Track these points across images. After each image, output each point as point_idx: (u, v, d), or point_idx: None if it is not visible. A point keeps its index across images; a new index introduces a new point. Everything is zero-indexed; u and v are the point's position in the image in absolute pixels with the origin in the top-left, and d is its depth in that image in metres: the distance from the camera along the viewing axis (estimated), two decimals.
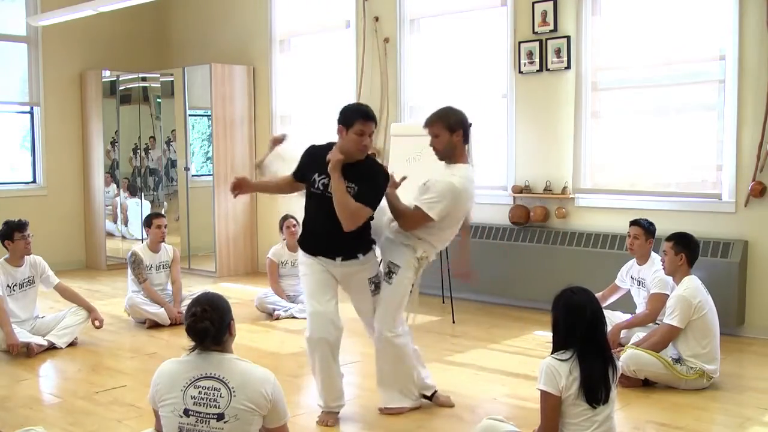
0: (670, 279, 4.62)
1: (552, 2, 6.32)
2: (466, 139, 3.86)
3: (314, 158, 3.87)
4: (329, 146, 3.85)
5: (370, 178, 3.80)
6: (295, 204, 7.83)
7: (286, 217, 6.54)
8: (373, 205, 3.78)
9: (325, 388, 3.93)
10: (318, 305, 3.85)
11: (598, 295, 4.86)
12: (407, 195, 3.98)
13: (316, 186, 3.83)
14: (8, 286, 5.27)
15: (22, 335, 5.15)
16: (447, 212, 3.77)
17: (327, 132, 8.17)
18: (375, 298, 3.99)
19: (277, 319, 6.20)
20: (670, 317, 4.35)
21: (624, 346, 4.61)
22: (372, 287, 3.97)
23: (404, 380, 4.05)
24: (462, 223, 4.00)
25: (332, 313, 3.86)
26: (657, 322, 4.77)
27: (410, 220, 3.84)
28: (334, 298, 3.91)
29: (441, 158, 3.88)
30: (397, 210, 3.89)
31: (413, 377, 4.08)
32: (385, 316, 3.93)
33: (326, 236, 3.84)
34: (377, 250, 4.03)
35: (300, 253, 4.00)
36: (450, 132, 3.81)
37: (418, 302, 4.06)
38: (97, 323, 5.50)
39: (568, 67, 6.30)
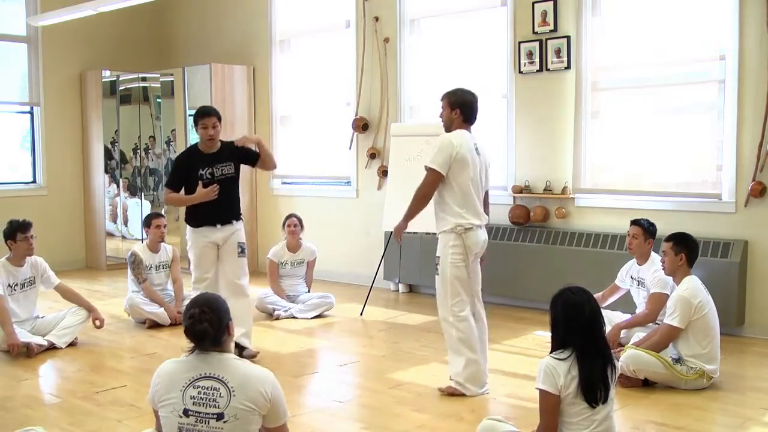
0: (670, 279, 4.62)
1: (552, 2, 6.32)
2: (467, 118, 4.33)
3: (189, 161, 5.01)
4: (191, 147, 5.19)
5: (237, 150, 5.02)
6: (298, 205, 7.86)
7: (289, 216, 6.54)
8: (256, 155, 5.11)
9: None
10: (203, 273, 5.01)
11: (597, 295, 4.91)
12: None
13: (204, 177, 4.93)
14: (9, 285, 5.27)
15: (23, 335, 5.15)
16: (447, 163, 4.14)
17: (327, 132, 8.22)
18: (240, 260, 5.07)
19: (277, 319, 6.20)
20: (671, 317, 4.35)
21: (624, 346, 4.61)
22: (239, 250, 5.07)
23: (455, 367, 4.28)
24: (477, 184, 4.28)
25: (213, 279, 5.03)
26: (657, 322, 4.77)
27: (423, 181, 4.20)
28: (214, 267, 5.05)
29: (445, 129, 4.36)
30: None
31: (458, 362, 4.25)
32: (440, 303, 4.31)
33: (212, 210, 4.96)
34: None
35: (187, 229, 5.06)
36: (450, 108, 4.32)
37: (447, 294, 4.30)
38: (97, 323, 5.50)
39: (568, 67, 6.29)
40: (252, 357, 4.91)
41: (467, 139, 4.25)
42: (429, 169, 4.17)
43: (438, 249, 4.28)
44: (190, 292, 6.18)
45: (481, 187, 4.32)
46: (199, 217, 5.01)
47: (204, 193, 4.91)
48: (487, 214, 4.43)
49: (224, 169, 4.99)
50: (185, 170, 5.02)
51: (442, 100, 4.36)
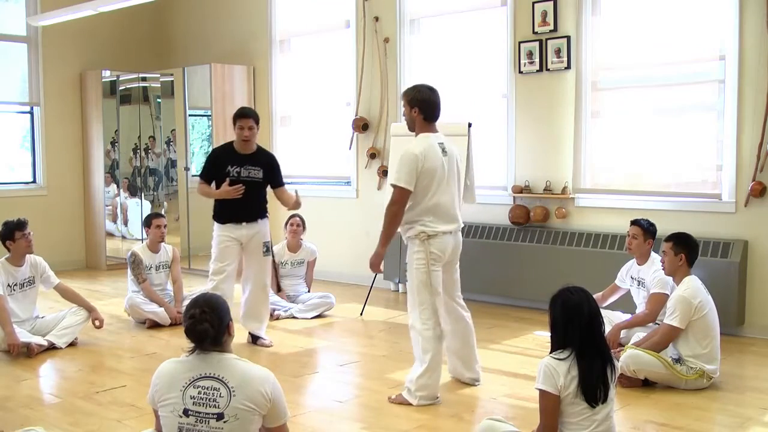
0: (670, 279, 4.61)
1: (552, 2, 6.32)
2: (427, 116, 4.21)
3: (223, 157, 5.22)
4: (227, 144, 5.33)
5: (271, 164, 5.31)
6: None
7: (292, 216, 6.54)
8: (283, 182, 5.41)
9: None
10: (223, 265, 5.23)
11: (597, 295, 4.91)
12: None
13: (231, 174, 5.14)
14: (8, 285, 5.26)
15: (22, 335, 5.15)
16: (413, 178, 4.05)
17: (327, 132, 8.21)
18: (265, 258, 5.35)
19: (277, 319, 6.19)
20: (671, 318, 4.34)
21: (624, 346, 4.60)
22: (264, 249, 5.33)
23: (411, 374, 4.22)
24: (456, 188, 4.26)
25: (231, 273, 5.25)
26: (657, 322, 4.77)
27: (391, 200, 4.14)
28: (234, 263, 5.27)
29: (408, 129, 4.34)
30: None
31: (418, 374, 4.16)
32: (409, 310, 4.27)
33: (238, 208, 5.20)
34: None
35: (215, 226, 5.30)
36: (409, 107, 4.24)
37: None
38: (97, 323, 5.50)
39: (568, 67, 6.30)
40: (268, 346, 5.38)
41: (431, 144, 4.13)
42: (395, 187, 4.07)
43: (406, 256, 4.26)
44: (191, 292, 6.20)
45: (456, 187, 4.25)
46: (226, 213, 5.25)
47: (225, 191, 5.13)
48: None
49: (252, 172, 5.19)
50: (216, 165, 5.23)
51: (401, 99, 4.29)
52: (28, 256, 5.37)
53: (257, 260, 5.36)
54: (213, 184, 5.26)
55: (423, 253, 4.13)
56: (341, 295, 6.90)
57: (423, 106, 4.19)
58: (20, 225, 5.28)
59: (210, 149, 8.33)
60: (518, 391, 4.36)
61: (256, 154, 5.26)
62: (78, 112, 8.94)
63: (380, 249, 4.20)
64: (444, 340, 4.33)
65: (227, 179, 5.15)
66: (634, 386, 4.36)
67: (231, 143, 5.28)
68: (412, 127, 4.27)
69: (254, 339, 5.45)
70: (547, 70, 6.41)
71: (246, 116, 5.15)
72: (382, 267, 4.29)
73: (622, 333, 4.89)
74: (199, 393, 2.65)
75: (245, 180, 5.16)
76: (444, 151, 4.17)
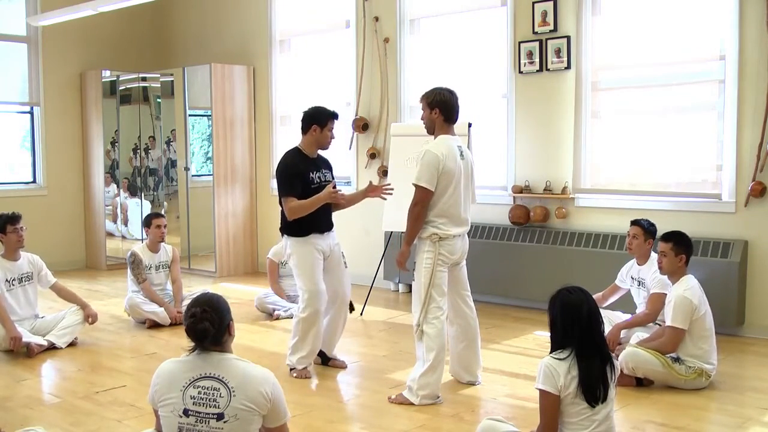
0: None
1: (552, 2, 6.32)
2: (447, 117, 4.25)
3: (301, 165, 4.69)
4: (295, 151, 4.74)
5: (331, 167, 4.89)
6: None
7: None
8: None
9: (314, 351, 4.75)
10: (316, 285, 4.63)
11: (597, 295, 4.90)
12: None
13: (315, 182, 4.69)
14: (7, 280, 5.27)
15: (23, 335, 5.14)
16: (435, 178, 4.12)
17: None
18: (346, 271, 4.87)
19: (277, 319, 6.20)
20: (674, 320, 4.32)
21: (624, 346, 4.60)
22: (344, 259, 4.86)
23: (414, 372, 4.23)
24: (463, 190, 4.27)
25: (324, 290, 4.68)
26: (657, 322, 4.77)
27: (413, 200, 4.17)
28: (322, 276, 4.71)
29: (427, 131, 4.35)
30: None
31: (420, 374, 4.17)
32: (414, 310, 4.28)
33: (321, 216, 4.70)
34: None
35: (290, 241, 4.69)
36: (429, 109, 4.26)
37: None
38: (90, 319, 5.47)
39: (568, 67, 6.30)
40: (344, 367, 4.93)
41: (451, 146, 4.20)
42: (417, 187, 4.13)
43: (415, 255, 4.28)
44: (191, 292, 6.20)
45: (469, 190, 4.34)
46: (308, 224, 4.66)
47: (329, 193, 4.59)
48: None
49: (328, 175, 4.80)
50: (299, 174, 4.66)
51: (420, 101, 4.34)
52: (24, 253, 5.38)
53: (342, 274, 4.83)
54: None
55: (432, 254, 4.18)
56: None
57: (444, 107, 4.22)
58: (13, 219, 5.28)
59: (210, 149, 8.34)
60: (518, 391, 4.36)
61: (318, 155, 4.83)
62: (78, 112, 8.94)
63: (405, 248, 4.24)
64: (448, 340, 4.34)
65: (331, 184, 4.68)
66: (628, 385, 4.32)
67: (296, 149, 4.74)
68: (431, 129, 4.30)
69: (325, 359, 4.95)
70: (547, 70, 6.41)
71: (337, 118, 4.75)
72: (407, 265, 4.32)
73: (622, 333, 4.88)
74: (199, 393, 2.65)
75: (323, 184, 4.70)
76: (461, 154, 4.24)
